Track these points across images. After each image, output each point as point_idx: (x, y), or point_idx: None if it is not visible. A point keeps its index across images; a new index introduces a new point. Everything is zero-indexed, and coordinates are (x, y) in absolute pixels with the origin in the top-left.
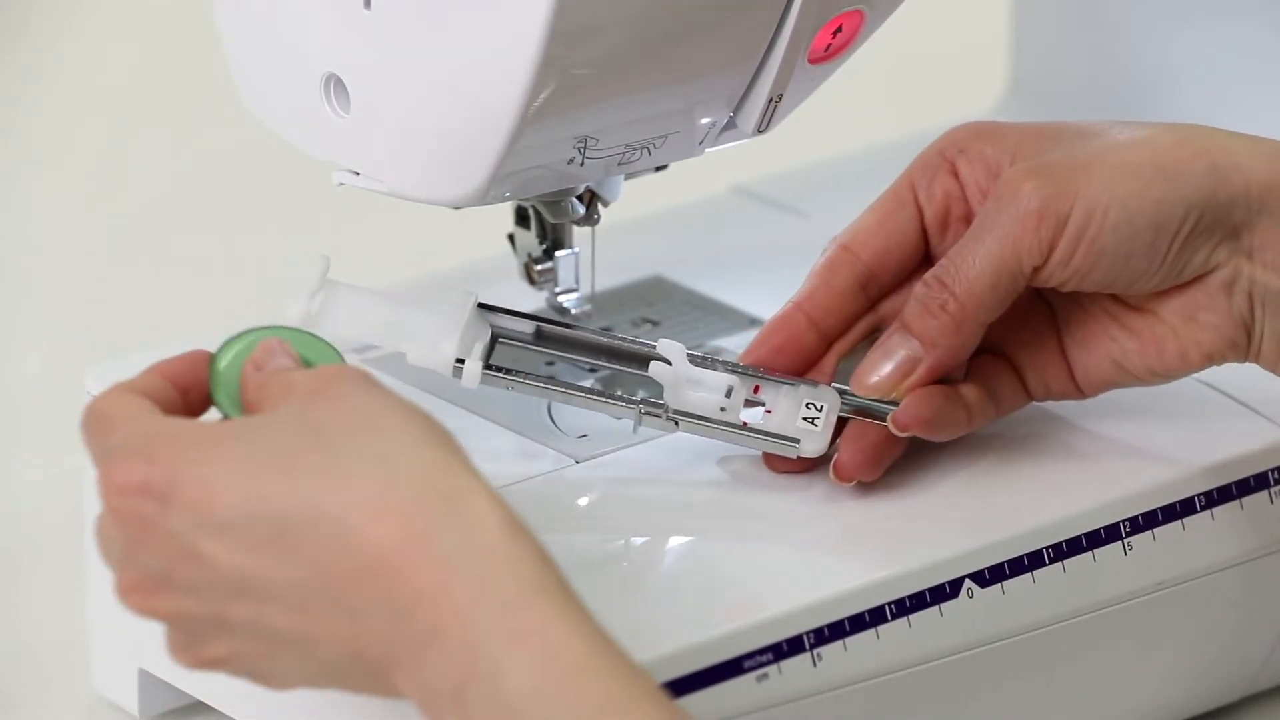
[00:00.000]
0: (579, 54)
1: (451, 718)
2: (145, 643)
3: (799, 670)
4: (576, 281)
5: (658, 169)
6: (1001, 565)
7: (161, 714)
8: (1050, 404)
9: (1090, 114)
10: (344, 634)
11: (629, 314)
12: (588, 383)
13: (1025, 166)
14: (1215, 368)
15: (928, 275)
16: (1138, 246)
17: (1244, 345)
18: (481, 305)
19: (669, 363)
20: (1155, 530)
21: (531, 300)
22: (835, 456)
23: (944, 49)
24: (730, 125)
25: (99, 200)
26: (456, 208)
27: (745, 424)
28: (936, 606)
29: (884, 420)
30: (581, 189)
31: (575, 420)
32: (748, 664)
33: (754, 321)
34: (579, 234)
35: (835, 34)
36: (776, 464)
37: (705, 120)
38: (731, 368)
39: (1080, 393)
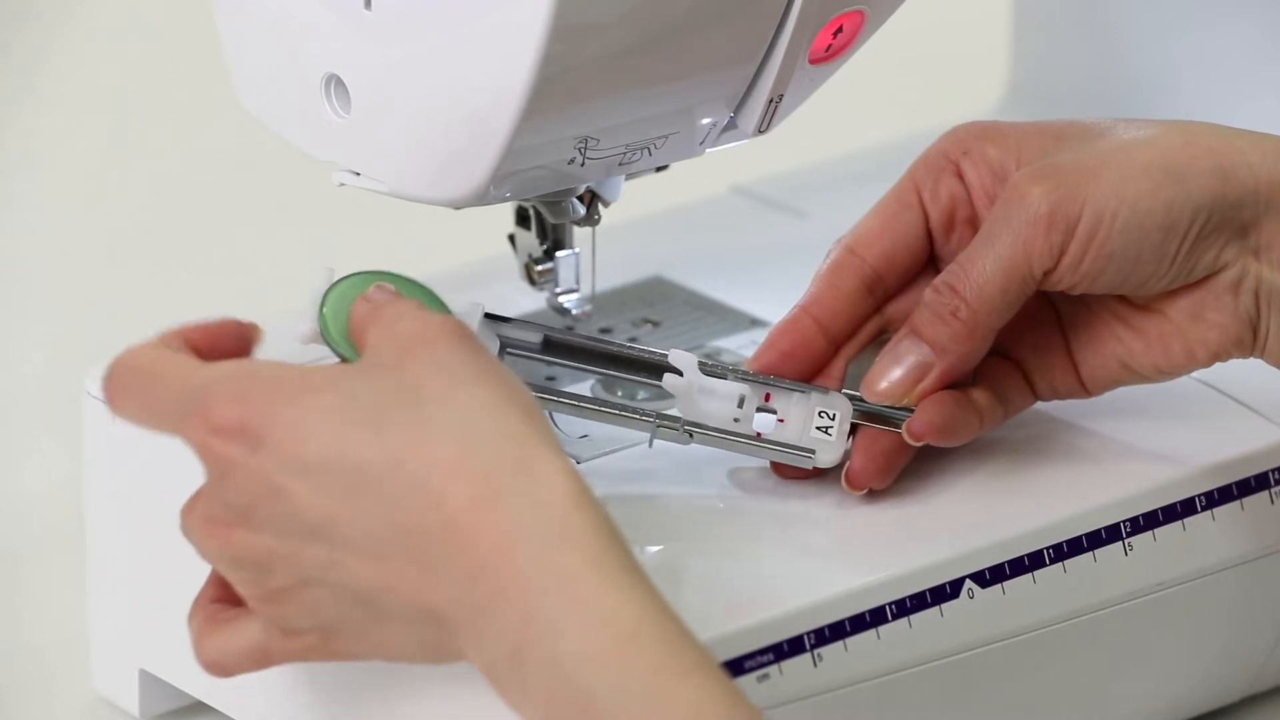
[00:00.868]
0: (579, 54)
1: (511, 680)
2: (146, 643)
3: (800, 670)
4: (577, 282)
5: (658, 169)
6: (1002, 566)
7: (162, 714)
8: (1051, 405)
9: (1090, 115)
10: (417, 586)
11: (629, 314)
12: (589, 383)
13: (1033, 170)
14: (1216, 367)
15: (937, 281)
16: (1147, 248)
17: (1250, 342)
18: (489, 315)
19: (681, 374)
20: (1156, 530)
21: (532, 300)
22: (847, 465)
23: (944, 49)
24: (731, 125)
25: (99, 200)
26: (457, 208)
27: (759, 435)
28: (937, 607)
29: (896, 426)
30: (582, 189)
31: (577, 421)
32: (748, 664)
33: (755, 321)
34: (579, 234)
35: (836, 34)
36: (784, 471)
37: (706, 120)
38: (742, 375)
39: (1086, 392)
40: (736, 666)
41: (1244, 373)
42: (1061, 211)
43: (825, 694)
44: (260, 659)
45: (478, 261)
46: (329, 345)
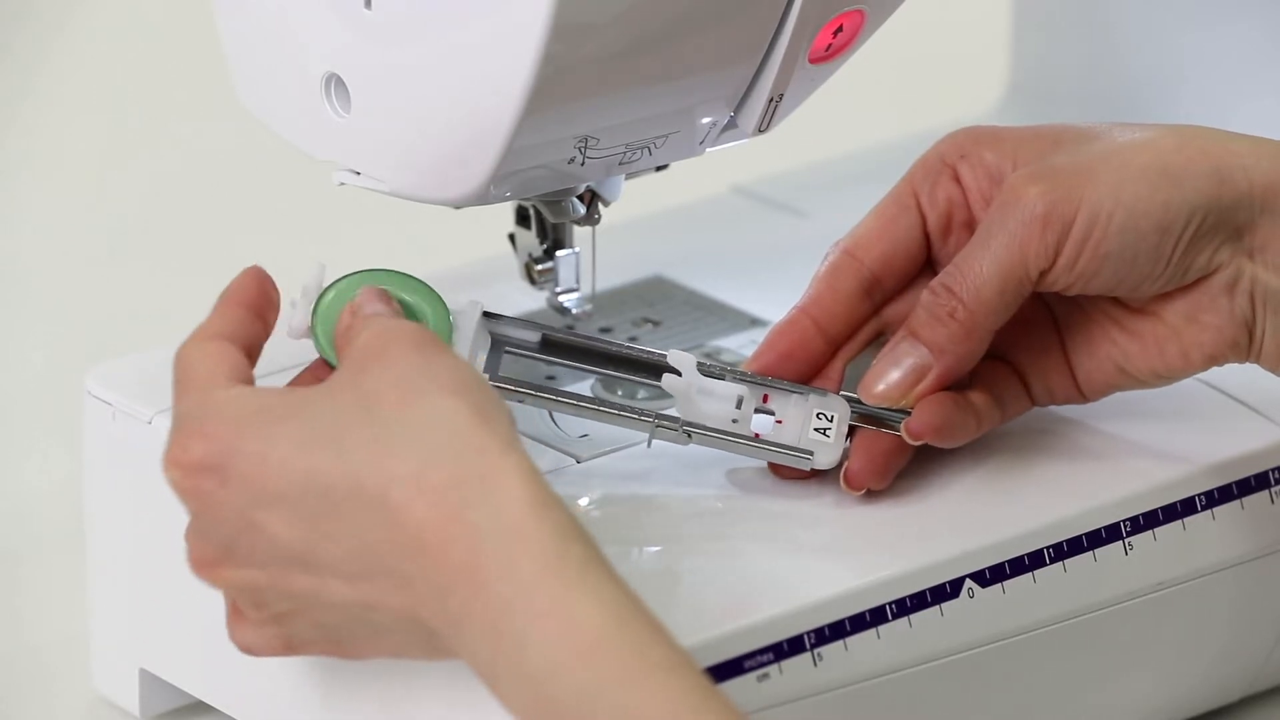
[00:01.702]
0: (579, 53)
1: (494, 686)
2: (147, 642)
3: (800, 670)
4: (577, 281)
5: (658, 169)
6: (1002, 565)
7: (162, 714)
8: (1049, 407)
9: (1090, 115)
10: (400, 601)
11: (629, 314)
12: (588, 383)
13: (1029, 171)
14: (1216, 367)
15: (934, 283)
16: (1143, 249)
17: (1245, 346)
18: (487, 314)
19: (679, 374)
20: (1156, 530)
21: (532, 300)
22: (846, 466)
23: (944, 50)
24: (731, 125)
25: (99, 200)
26: (457, 207)
27: (758, 436)
28: (937, 606)
29: (894, 428)
30: (582, 188)
31: (576, 421)
32: (748, 664)
33: (754, 321)
34: (579, 234)
35: (836, 34)
36: (783, 472)
37: (706, 120)
38: (741, 376)
39: (1083, 397)
40: (736, 666)
41: (1244, 372)
42: (1057, 212)
43: (825, 694)
44: (284, 651)
45: (478, 261)
46: (318, 349)
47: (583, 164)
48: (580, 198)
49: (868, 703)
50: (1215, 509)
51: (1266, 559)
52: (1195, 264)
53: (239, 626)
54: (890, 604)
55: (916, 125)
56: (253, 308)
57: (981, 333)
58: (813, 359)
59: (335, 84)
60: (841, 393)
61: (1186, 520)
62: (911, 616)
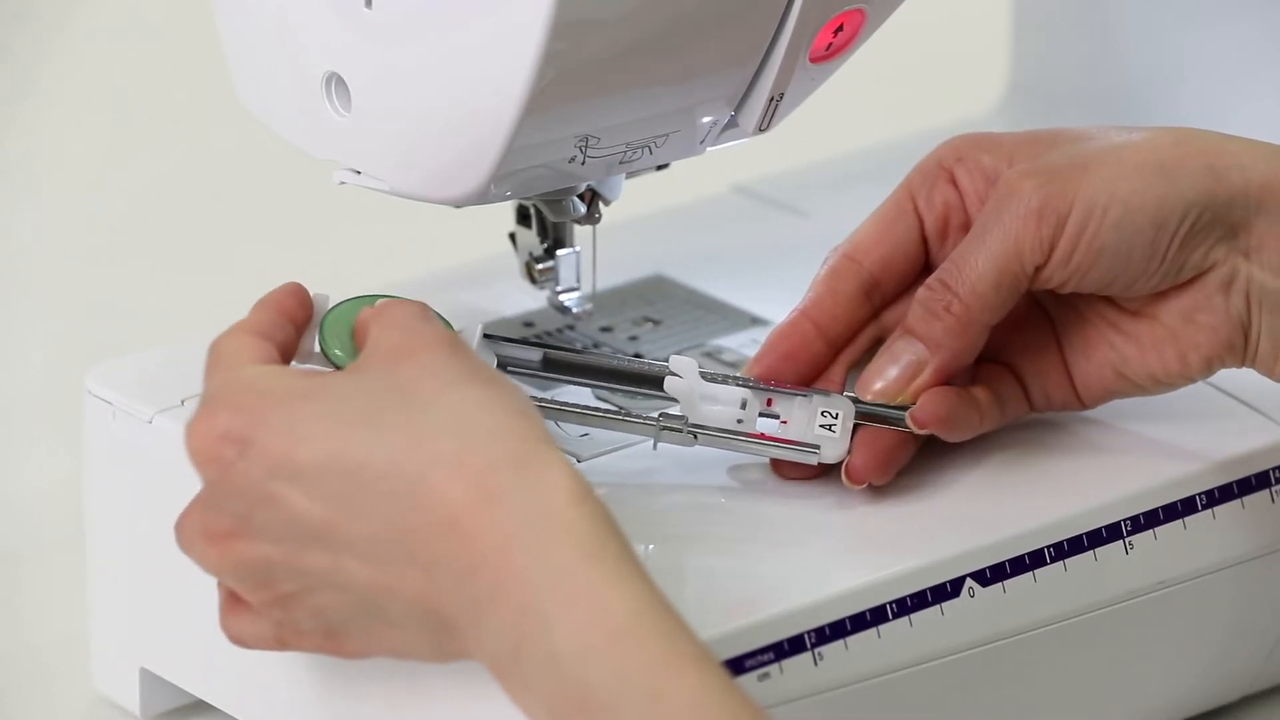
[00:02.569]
0: (580, 52)
1: (514, 677)
2: (147, 641)
3: (800, 669)
4: (578, 280)
5: (659, 168)
6: (1003, 564)
7: (163, 713)
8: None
9: (1089, 116)
10: (419, 588)
11: (630, 313)
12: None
13: (1025, 168)
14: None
15: (930, 278)
16: (1138, 244)
17: (1241, 347)
18: (487, 336)
19: (682, 377)
20: (1156, 529)
21: (533, 299)
22: (847, 460)
23: (944, 49)
24: (731, 124)
25: (99, 200)
26: (457, 206)
27: (763, 434)
28: (938, 606)
29: (897, 425)
30: (582, 188)
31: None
32: (749, 663)
33: (755, 320)
34: (580, 233)
35: (836, 33)
36: (785, 471)
37: (706, 119)
38: (743, 382)
39: (1081, 403)
40: (737, 665)
41: (1244, 371)
42: (1052, 206)
43: (826, 693)
44: (277, 644)
45: (478, 260)
46: (329, 361)
47: (583, 163)
48: (581, 197)
49: (868, 702)
50: (1216, 508)
51: (1267, 558)
52: (1190, 261)
53: (232, 617)
54: (891, 603)
55: (916, 125)
56: (287, 314)
57: (977, 327)
58: (814, 361)
59: (336, 83)
60: (845, 394)
61: (1187, 519)
62: (912, 616)
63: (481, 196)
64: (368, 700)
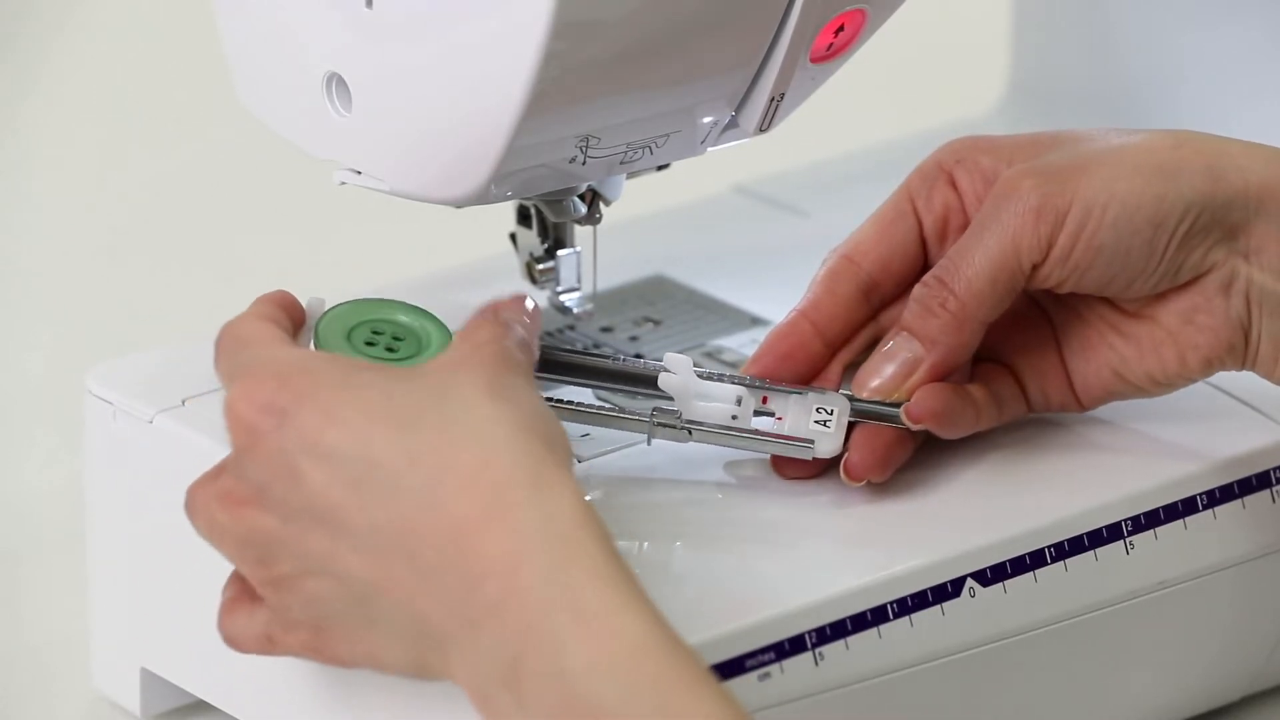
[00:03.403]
0: (581, 52)
1: (501, 700)
2: (148, 641)
3: (801, 669)
4: (578, 280)
5: (659, 168)
6: (1003, 564)
7: (163, 713)
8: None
9: (1089, 116)
10: (410, 590)
11: (630, 313)
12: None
13: (1024, 167)
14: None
15: (927, 275)
16: (1136, 243)
17: (1241, 349)
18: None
19: (676, 374)
20: (1157, 529)
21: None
22: (846, 457)
23: (944, 49)
24: (732, 124)
25: (99, 200)
26: (458, 206)
27: (758, 430)
28: (938, 605)
29: (892, 422)
30: (583, 188)
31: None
32: (749, 663)
33: (755, 320)
34: (580, 233)
35: (837, 33)
36: (785, 470)
37: (707, 119)
38: (738, 380)
39: (1079, 405)
40: (737, 665)
41: (1245, 371)
42: (1050, 203)
43: (826, 693)
44: (266, 646)
45: (479, 260)
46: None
47: (584, 163)
48: (581, 197)
49: (869, 702)
50: (1217, 508)
51: (1267, 558)
52: (1189, 262)
53: (228, 617)
54: (891, 603)
55: (916, 125)
56: (285, 308)
57: (973, 324)
58: (811, 361)
59: (336, 83)
60: (841, 391)
61: (1188, 519)
62: (913, 616)
63: (482, 196)
64: (368, 700)
